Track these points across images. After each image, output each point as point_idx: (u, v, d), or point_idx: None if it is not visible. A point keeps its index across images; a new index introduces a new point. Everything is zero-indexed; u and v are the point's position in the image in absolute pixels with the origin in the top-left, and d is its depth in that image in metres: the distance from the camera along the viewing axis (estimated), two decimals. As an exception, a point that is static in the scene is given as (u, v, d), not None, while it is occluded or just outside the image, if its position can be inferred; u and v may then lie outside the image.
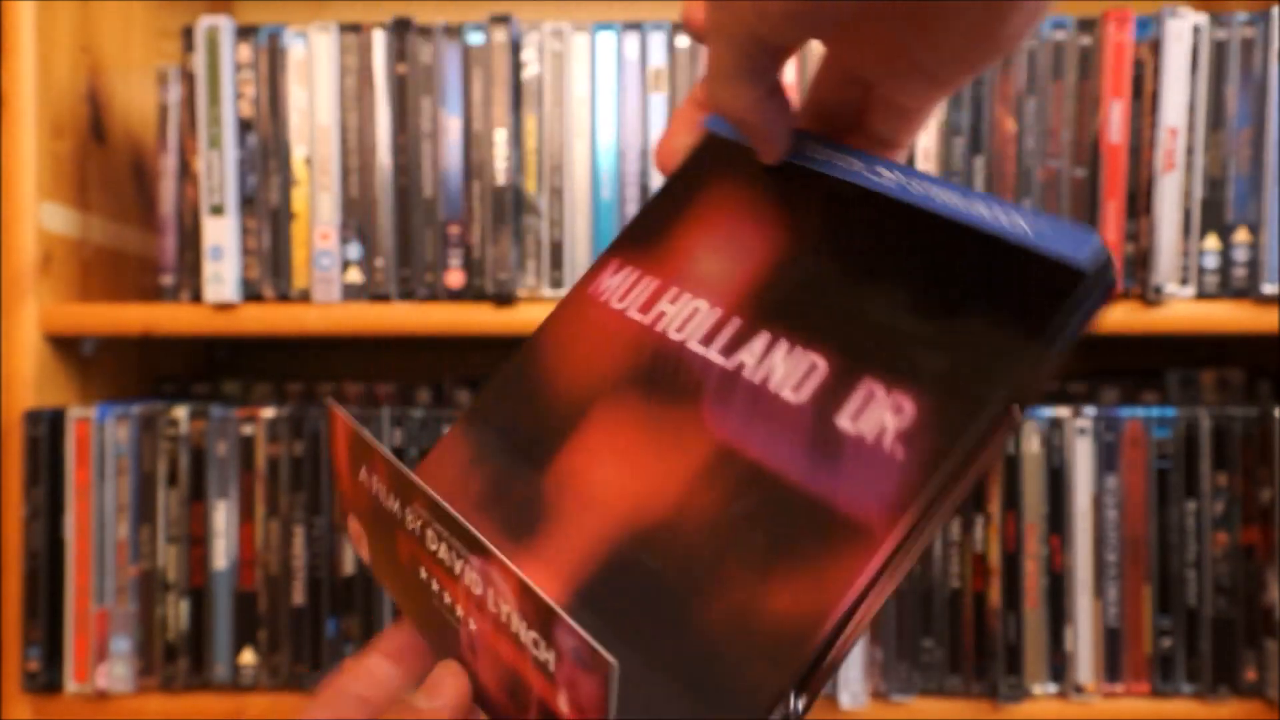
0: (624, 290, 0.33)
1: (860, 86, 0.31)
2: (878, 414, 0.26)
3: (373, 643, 0.29)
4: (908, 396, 0.26)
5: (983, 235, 0.28)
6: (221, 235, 0.74)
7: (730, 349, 0.30)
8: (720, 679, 0.24)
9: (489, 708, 0.26)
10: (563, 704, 0.23)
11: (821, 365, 0.28)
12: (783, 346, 0.29)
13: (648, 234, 0.34)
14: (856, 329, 0.28)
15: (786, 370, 0.28)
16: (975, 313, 0.26)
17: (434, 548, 0.27)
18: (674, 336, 0.31)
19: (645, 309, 0.32)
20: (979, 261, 0.27)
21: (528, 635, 0.24)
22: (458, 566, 0.26)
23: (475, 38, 0.74)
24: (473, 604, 0.26)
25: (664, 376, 0.30)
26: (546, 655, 0.23)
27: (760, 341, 0.29)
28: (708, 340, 0.30)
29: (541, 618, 0.23)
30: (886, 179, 0.30)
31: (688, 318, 0.31)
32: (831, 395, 0.27)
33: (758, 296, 0.31)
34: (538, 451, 0.30)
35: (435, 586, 0.27)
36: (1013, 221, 0.27)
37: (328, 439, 0.29)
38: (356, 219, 0.74)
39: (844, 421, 0.26)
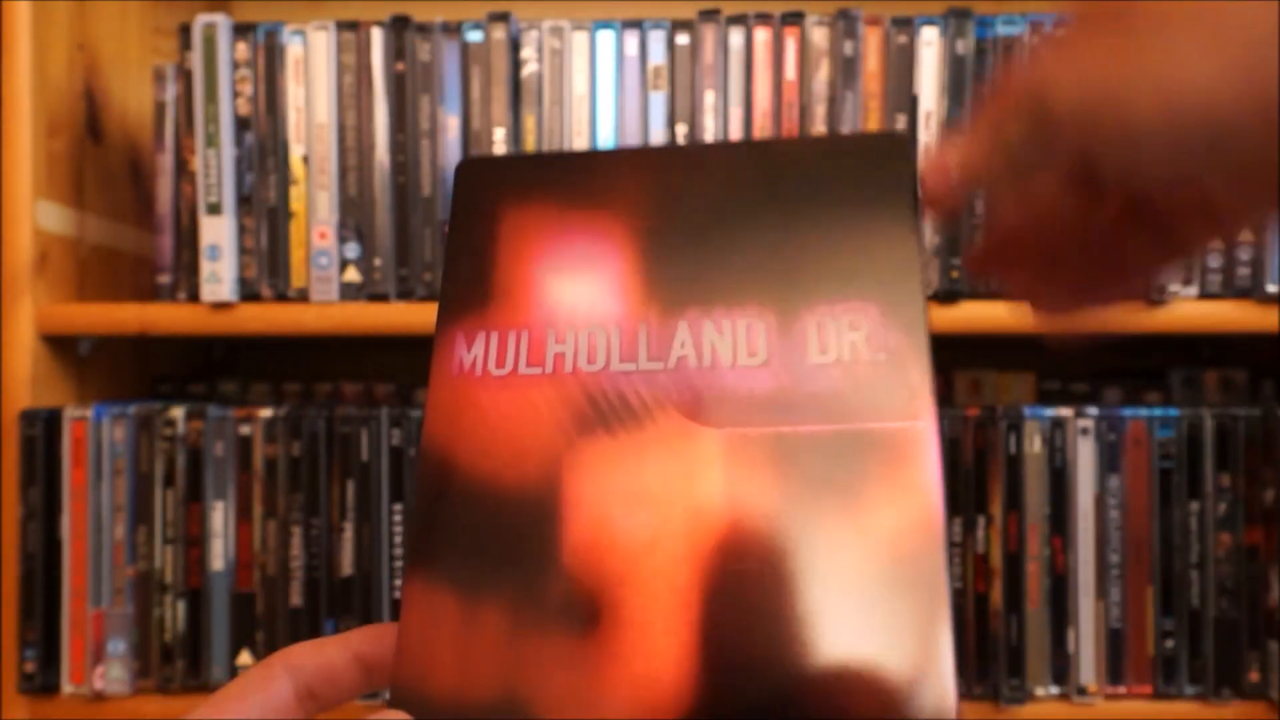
0: (496, 355, 0.29)
1: (1129, 215, 0.28)
2: (840, 336, 0.27)
3: (345, 637, 0.27)
4: (855, 308, 0.28)
5: (787, 142, 0.30)
6: (218, 234, 0.73)
7: (659, 352, 0.28)
8: (886, 618, 0.24)
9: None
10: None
11: (758, 322, 0.28)
12: (708, 325, 0.28)
13: (473, 293, 0.30)
14: (764, 276, 0.29)
15: (730, 342, 0.28)
16: (848, 216, 0.29)
17: None
18: (590, 370, 0.29)
19: (536, 360, 0.29)
20: (810, 168, 0.30)
21: None
22: None
23: (474, 35, 0.73)
24: None
25: (613, 409, 0.28)
26: None
27: (684, 331, 0.29)
28: (629, 356, 0.29)
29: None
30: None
31: (591, 346, 0.29)
32: (788, 342, 0.28)
33: (646, 292, 0.29)
34: (533, 549, 0.27)
35: None
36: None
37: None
38: (354, 218, 0.74)
39: (816, 357, 0.27)
